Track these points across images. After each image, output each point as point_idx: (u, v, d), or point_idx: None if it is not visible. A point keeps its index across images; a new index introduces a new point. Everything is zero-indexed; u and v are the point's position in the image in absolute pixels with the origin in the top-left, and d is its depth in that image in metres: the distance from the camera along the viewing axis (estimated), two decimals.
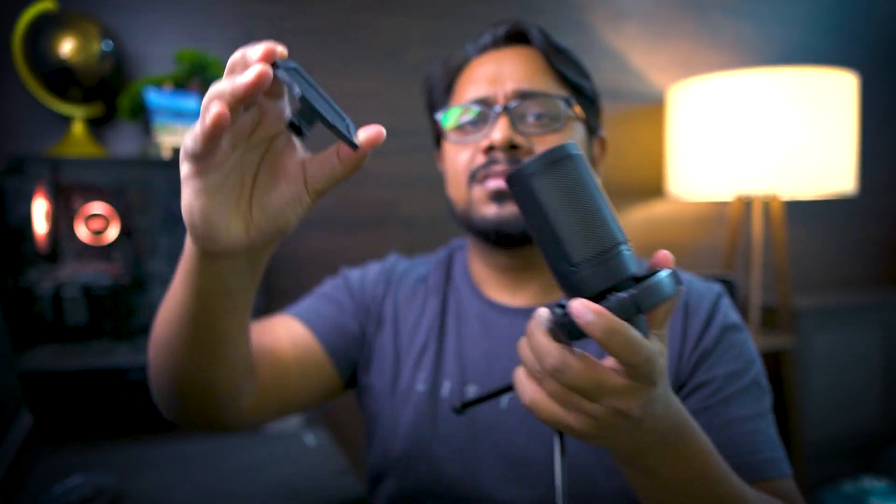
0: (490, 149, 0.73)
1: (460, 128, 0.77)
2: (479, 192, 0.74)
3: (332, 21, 1.67)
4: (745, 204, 2.01)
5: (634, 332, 0.39)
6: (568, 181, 0.41)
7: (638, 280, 0.42)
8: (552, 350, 0.41)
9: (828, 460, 2.03)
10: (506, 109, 0.73)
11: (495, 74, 0.76)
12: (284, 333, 0.76)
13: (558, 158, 0.41)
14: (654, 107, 2.01)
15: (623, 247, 0.41)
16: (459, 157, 0.77)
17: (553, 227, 0.41)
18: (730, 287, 1.04)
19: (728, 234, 1.93)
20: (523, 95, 0.74)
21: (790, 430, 1.91)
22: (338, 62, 1.68)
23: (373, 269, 0.88)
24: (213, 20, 1.57)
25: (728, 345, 0.69)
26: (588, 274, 0.40)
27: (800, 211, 2.20)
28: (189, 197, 0.43)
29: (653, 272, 0.42)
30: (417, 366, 0.78)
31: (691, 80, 1.80)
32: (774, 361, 1.96)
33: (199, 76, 1.48)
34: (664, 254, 0.45)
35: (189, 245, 0.48)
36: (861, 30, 2.27)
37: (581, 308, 0.39)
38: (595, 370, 0.40)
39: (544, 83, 0.75)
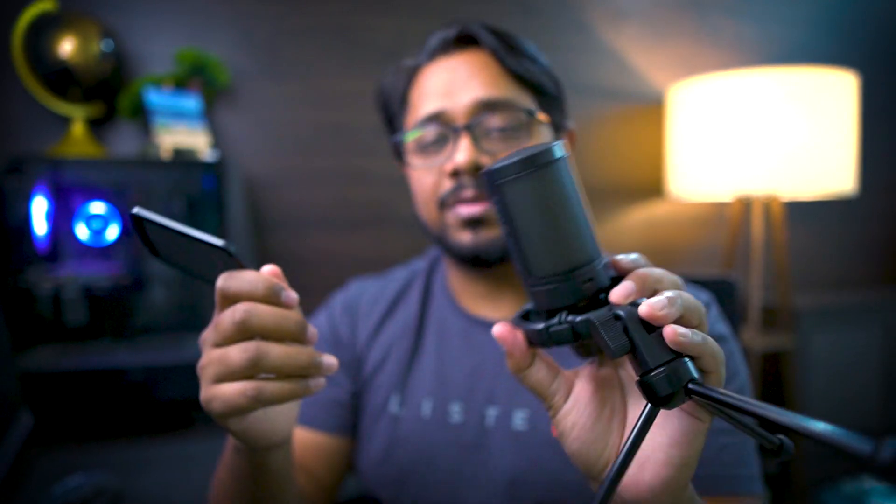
0: (455, 173, 0.69)
1: (421, 149, 0.73)
2: (451, 218, 0.71)
3: (332, 21, 1.67)
4: (745, 204, 2.01)
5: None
6: (545, 191, 0.38)
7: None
8: None
9: (828, 460, 2.03)
10: (467, 128, 0.68)
11: (449, 86, 0.70)
12: (299, 454, 0.76)
13: (540, 165, 0.37)
14: (653, 107, 2.01)
15: (595, 263, 0.39)
16: (424, 182, 0.73)
17: (522, 237, 0.39)
18: (730, 287, 1.04)
19: (728, 234, 1.93)
20: (484, 106, 0.69)
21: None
22: (338, 62, 1.68)
23: (336, 309, 0.85)
24: (213, 20, 1.57)
25: None
26: (549, 290, 0.39)
27: (800, 211, 2.20)
28: (257, 421, 0.48)
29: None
30: (396, 387, 0.77)
31: (691, 80, 1.80)
32: (774, 361, 1.96)
33: (199, 76, 1.48)
34: (617, 262, 0.41)
35: (240, 447, 0.52)
36: (861, 30, 2.27)
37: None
38: None
39: (504, 89, 0.70)
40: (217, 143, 1.58)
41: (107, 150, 1.49)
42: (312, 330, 0.45)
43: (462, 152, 0.68)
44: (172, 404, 1.26)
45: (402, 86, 0.76)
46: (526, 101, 0.72)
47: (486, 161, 0.69)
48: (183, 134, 1.37)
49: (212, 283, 0.46)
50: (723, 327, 0.71)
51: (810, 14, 2.19)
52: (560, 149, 0.38)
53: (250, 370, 0.42)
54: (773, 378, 1.97)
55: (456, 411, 0.73)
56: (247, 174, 1.60)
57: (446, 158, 0.70)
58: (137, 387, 1.23)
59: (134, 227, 0.44)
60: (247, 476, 0.54)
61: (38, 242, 1.23)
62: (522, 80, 0.72)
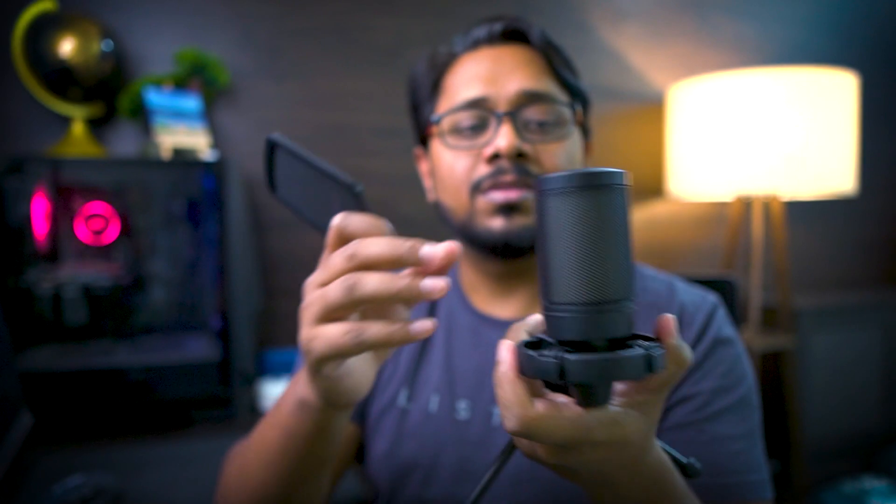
0: (495, 157, 0.69)
1: (457, 132, 0.72)
2: (483, 203, 0.70)
3: (332, 21, 1.67)
4: (745, 204, 2.01)
5: (519, 397, 0.37)
6: (592, 212, 0.35)
7: (618, 347, 0.37)
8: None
9: (828, 460, 2.03)
10: (510, 114, 0.68)
11: (493, 74, 0.71)
12: None
13: (598, 185, 0.35)
14: (654, 107, 2.01)
15: (624, 304, 0.36)
16: (457, 164, 0.72)
17: (550, 255, 0.37)
18: (730, 287, 1.04)
19: (728, 234, 1.93)
20: (529, 97, 0.69)
21: (790, 430, 1.91)
22: (338, 62, 1.68)
23: None
24: (213, 20, 1.57)
25: (717, 360, 0.67)
26: (569, 318, 0.36)
27: (800, 211, 2.20)
28: (345, 375, 0.47)
29: (631, 344, 0.38)
30: (405, 381, 0.77)
31: (691, 80, 1.80)
32: (774, 361, 1.96)
33: (198, 76, 1.48)
34: (666, 322, 0.39)
35: (310, 403, 0.51)
36: (861, 30, 2.27)
37: (501, 348, 0.38)
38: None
39: (547, 84, 0.71)
40: (217, 143, 1.58)
41: (107, 150, 1.49)
42: (432, 250, 0.41)
43: (504, 137, 0.67)
44: (172, 404, 1.26)
45: (436, 73, 0.76)
46: (566, 100, 0.73)
47: (528, 149, 0.69)
48: (183, 134, 1.37)
49: (322, 228, 0.45)
50: (729, 330, 0.71)
51: (810, 14, 2.19)
52: (625, 178, 0.36)
53: (348, 301, 0.41)
54: (773, 378, 1.97)
55: (463, 408, 0.73)
56: (247, 174, 1.60)
57: (486, 142, 0.70)
58: (137, 387, 1.23)
59: (266, 155, 0.44)
60: (304, 437, 0.53)
61: (38, 242, 1.23)
62: (563, 82, 0.73)
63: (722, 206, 2.11)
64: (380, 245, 0.41)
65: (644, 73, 1.99)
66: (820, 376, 1.99)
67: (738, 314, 1.04)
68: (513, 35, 0.74)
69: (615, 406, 0.39)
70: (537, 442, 0.40)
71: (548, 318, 0.37)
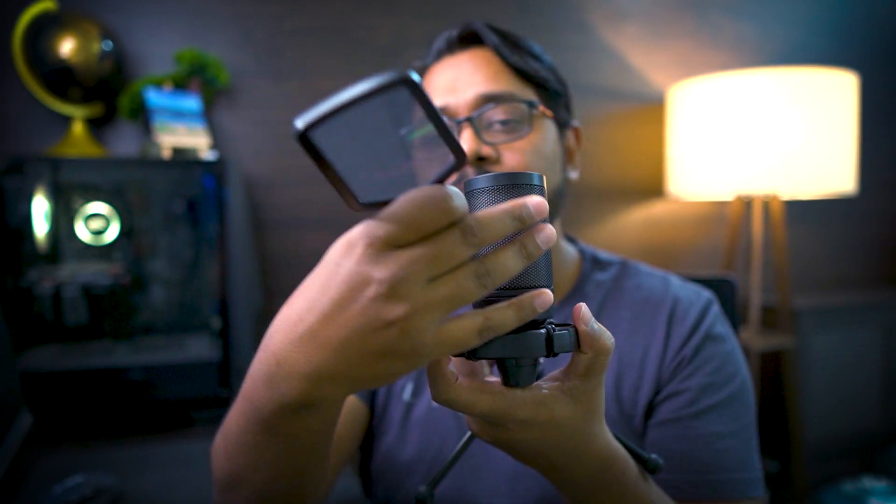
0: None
1: (423, 145, 0.74)
2: None
3: (332, 21, 1.67)
4: (745, 204, 2.01)
5: (437, 374, 0.41)
6: None
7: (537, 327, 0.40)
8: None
9: (828, 460, 2.03)
10: (468, 120, 0.69)
11: (453, 82, 0.72)
12: None
13: (514, 185, 0.39)
14: (654, 107, 2.01)
15: (540, 290, 0.39)
16: (426, 176, 0.74)
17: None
18: (730, 287, 1.04)
19: (728, 234, 1.93)
20: (486, 99, 0.70)
21: (790, 430, 1.91)
22: (338, 62, 1.68)
23: None
24: (213, 20, 1.58)
25: (707, 356, 0.68)
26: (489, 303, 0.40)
27: (800, 211, 2.20)
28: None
29: (540, 326, 0.40)
30: (411, 376, 0.77)
31: (691, 80, 1.80)
32: (774, 361, 1.96)
33: (198, 76, 1.48)
34: (578, 309, 0.41)
35: (328, 401, 0.42)
36: (861, 30, 2.27)
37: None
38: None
39: (505, 83, 0.72)
40: (217, 143, 1.58)
41: (107, 150, 1.49)
42: (536, 200, 0.37)
43: (463, 142, 0.68)
44: (172, 404, 1.26)
45: None
46: (528, 95, 0.73)
47: (488, 151, 0.69)
48: (183, 134, 1.37)
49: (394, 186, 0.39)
50: (722, 327, 0.71)
51: (810, 14, 2.19)
52: (540, 179, 0.40)
53: (485, 293, 0.36)
54: (772, 378, 1.97)
55: None
56: (247, 174, 1.60)
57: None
58: (137, 387, 1.23)
59: (302, 142, 0.33)
60: (311, 434, 0.46)
61: (38, 242, 1.23)
62: (525, 75, 0.73)
63: (722, 206, 2.11)
64: (503, 220, 0.36)
65: (644, 73, 1.99)
66: (820, 376, 1.99)
67: (738, 314, 1.04)
68: (470, 39, 0.74)
69: (545, 390, 0.41)
70: (462, 413, 0.42)
71: (475, 305, 0.40)
